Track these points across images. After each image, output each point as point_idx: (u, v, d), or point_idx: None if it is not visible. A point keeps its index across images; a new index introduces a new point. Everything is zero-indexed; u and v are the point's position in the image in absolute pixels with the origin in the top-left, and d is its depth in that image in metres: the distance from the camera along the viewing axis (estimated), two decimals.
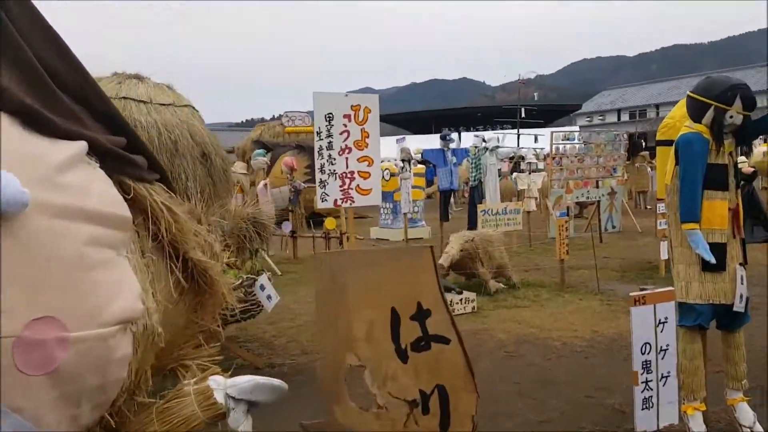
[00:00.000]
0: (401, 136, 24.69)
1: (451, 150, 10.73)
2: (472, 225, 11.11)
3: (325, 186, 5.52)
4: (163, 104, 5.01)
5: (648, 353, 2.99)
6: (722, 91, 3.27)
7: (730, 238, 3.36)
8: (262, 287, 4.37)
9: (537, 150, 18.72)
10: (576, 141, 12.62)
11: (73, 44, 1.90)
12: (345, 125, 5.58)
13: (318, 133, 5.46)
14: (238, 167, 9.56)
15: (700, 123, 3.37)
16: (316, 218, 10.73)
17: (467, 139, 15.56)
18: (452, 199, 18.12)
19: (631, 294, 2.98)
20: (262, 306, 4.54)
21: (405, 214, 11.44)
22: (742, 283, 3.31)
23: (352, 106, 5.61)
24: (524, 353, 5.22)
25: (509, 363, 5.00)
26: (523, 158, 13.99)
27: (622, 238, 12.10)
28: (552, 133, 12.50)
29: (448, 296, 6.48)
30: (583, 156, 12.44)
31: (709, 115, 3.32)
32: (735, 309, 3.31)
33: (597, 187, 12.22)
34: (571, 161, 12.26)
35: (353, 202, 5.69)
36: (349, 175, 5.63)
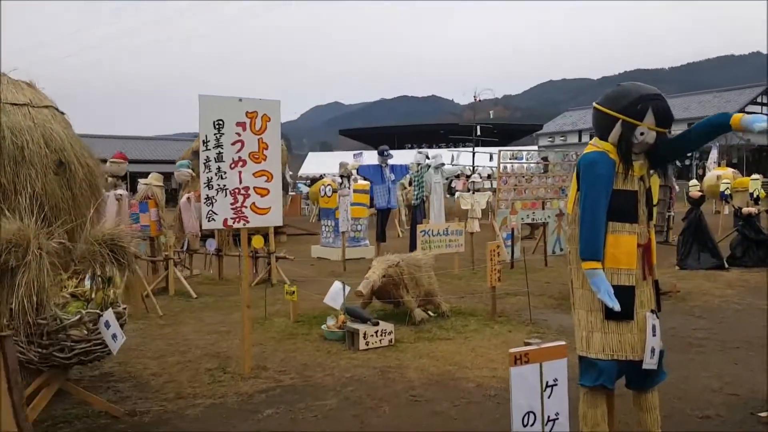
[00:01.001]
0: (359, 152, 24.08)
1: (389, 166, 10.14)
2: (413, 246, 10.53)
3: (212, 203, 4.84)
4: (16, 104, 4.28)
5: (532, 425, 2.39)
6: (631, 103, 2.71)
7: (639, 280, 2.79)
8: (107, 324, 3.66)
9: (482, 168, 18.36)
10: (524, 160, 12.20)
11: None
12: (238, 134, 4.92)
13: (204, 142, 4.79)
14: (153, 179, 8.79)
15: (606, 140, 2.81)
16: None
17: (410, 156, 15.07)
18: (403, 218, 17.58)
19: (510, 351, 2.38)
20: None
21: (343, 232, 10.80)
22: (654, 335, 2.74)
23: (247, 112, 4.96)
24: (432, 397, 4.59)
25: (411, 410, 4.36)
26: (468, 176, 13.53)
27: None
28: (500, 151, 12.07)
29: (363, 328, 5.84)
30: (531, 176, 12.04)
31: (616, 131, 2.75)
32: (645, 366, 2.73)
33: (543, 208, 11.78)
34: (518, 181, 11.85)
35: (247, 222, 5.01)
36: (242, 192, 4.96)
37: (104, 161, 9.49)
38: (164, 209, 8.76)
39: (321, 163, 31.81)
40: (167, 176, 12.83)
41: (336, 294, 6.23)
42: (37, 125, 4.29)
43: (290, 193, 31.61)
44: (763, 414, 3.87)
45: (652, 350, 2.73)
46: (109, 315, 3.67)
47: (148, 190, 8.56)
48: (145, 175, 9.53)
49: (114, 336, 3.65)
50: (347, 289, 6.29)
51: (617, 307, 2.65)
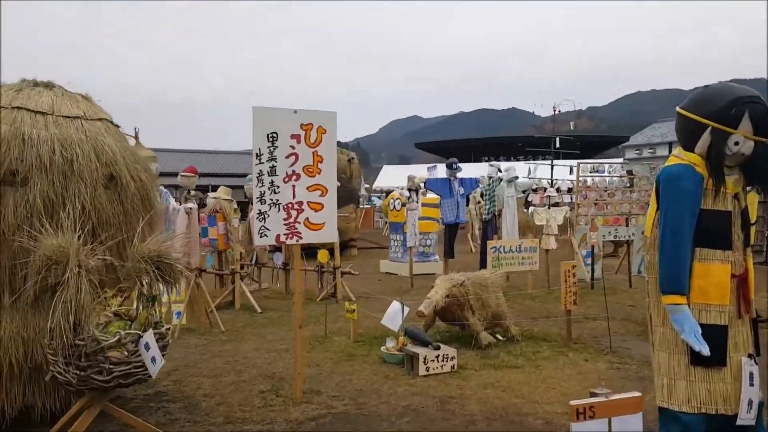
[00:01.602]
0: (433, 165, 23.76)
1: (458, 180, 9.75)
2: (483, 262, 10.07)
3: (265, 218, 4.65)
4: (68, 116, 4.26)
5: None
6: (723, 107, 2.24)
7: (733, 318, 2.30)
8: (147, 346, 3.50)
9: (562, 182, 17.54)
10: (606, 173, 11.47)
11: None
12: (293, 147, 4.72)
13: (258, 156, 4.62)
14: (222, 193, 8.82)
15: (692, 151, 2.35)
16: (309, 249, 9.87)
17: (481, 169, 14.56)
18: (476, 232, 17.05)
19: (571, 404, 1.98)
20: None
21: (411, 247, 10.48)
22: (751, 384, 2.24)
23: (302, 124, 4.75)
24: None
25: None
26: (545, 190, 12.90)
27: None
28: (579, 164, 11.41)
29: (423, 351, 5.48)
30: (615, 190, 11.29)
31: (705, 140, 2.29)
32: (740, 422, 2.24)
33: (627, 224, 11.00)
34: (600, 195, 11.14)
35: (300, 238, 4.79)
36: (296, 207, 4.75)
37: (174, 174, 9.68)
38: (232, 223, 8.76)
39: (395, 176, 31.69)
40: (237, 190, 12.97)
41: (394, 314, 5.90)
42: (89, 138, 4.24)
43: (364, 206, 31.68)
44: None
45: (750, 403, 2.24)
46: (149, 337, 3.50)
47: (216, 204, 8.59)
48: (215, 188, 9.62)
49: (153, 359, 3.48)
50: (406, 309, 5.95)
51: (706, 350, 2.18)
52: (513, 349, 6.33)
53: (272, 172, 4.65)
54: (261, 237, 4.67)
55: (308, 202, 4.78)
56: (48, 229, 3.65)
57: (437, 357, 5.53)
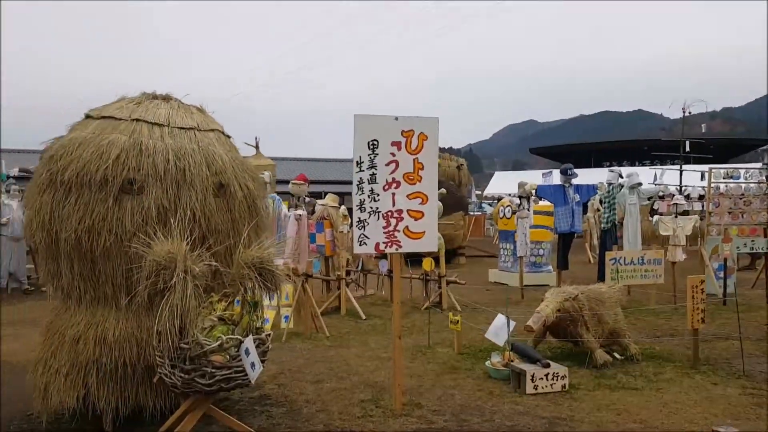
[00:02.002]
0: (548, 171, 22.99)
1: (573, 186, 9.25)
2: (601, 275, 9.49)
3: (364, 227, 4.61)
4: (183, 128, 4.46)
5: None
6: None
7: None
8: (247, 351, 3.54)
9: (692, 189, 16.17)
10: (741, 179, 10.45)
11: None
12: (393, 154, 4.64)
13: (358, 164, 4.59)
14: (329, 200, 8.96)
15: None
16: (414, 257, 9.79)
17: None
18: (594, 242, 16.20)
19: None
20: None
21: (521, 257, 10.09)
22: None
23: (403, 131, 4.67)
24: None
25: None
26: (672, 196, 11.95)
27: None
28: (710, 169, 10.49)
29: (531, 369, 5.20)
30: (752, 198, 10.25)
31: None
32: None
33: (766, 236, 9.95)
34: (734, 203, 10.16)
35: (400, 246, 4.70)
36: (395, 215, 4.67)
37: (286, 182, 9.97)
38: (339, 229, 8.87)
39: (507, 183, 30.94)
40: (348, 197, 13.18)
41: (499, 328, 5.65)
42: (201, 148, 4.41)
43: (474, 213, 31.24)
44: None
45: None
46: (249, 342, 3.56)
47: (324, 211, 8.74)
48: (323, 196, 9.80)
49: (252, 365, 3.52)
50: (513, 323, 5.67)
51: None
52: (632, 370, 5.87)
53: (372, 179, 4.61)
54: (360, 245, 4.63)
55: (408, 211, 4.69)
56: (159, 235, 3.81)
57: (546, 375, 5.22)
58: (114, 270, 4.08)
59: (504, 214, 11.84)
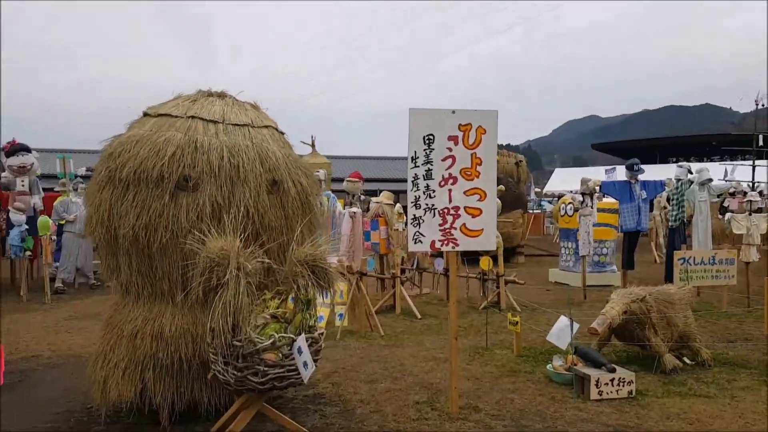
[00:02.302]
0: (611, 167, 22.33)
1: (639, 182, 8.83)
2: (669, 275, 9.05)
3: (419, 224, 4.48)
4: (237, 124, 4.44)
5: None
6: None
7: None
8: (300, 350, 3.48)
9: (765, 185, 15.28)
10: None
11: None
12: (450, 149, 4.49)
13: (413, 159, 4.46)
14: (384, 197, 8.86)
15: None
16: (471, 256, 9.58)
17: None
18: (660, 241, 15.55)
19: None
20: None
21: (583, 256, 9.73)
22: None
23: (460, 125, 4.51)
24: None
25: None
26: (745, 194, 11.28)
27: None
28: None
29: (596, 373, 4.96)
30: None
31: None
32: None
33: None
34: None
35: (456, 245, 4.55)
36: (452, 212, 4.52)
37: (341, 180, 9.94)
38: (394, 227, 8.77)
39: (568, 180, 30.11)
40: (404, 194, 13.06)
41: (562, 331, 5.41)
42: (255, 144, 4.38)
43: (533, 211, 30.59)
44: None
45: None
46: (301, 341, 3.49)
47: (378, 209, 8.65)
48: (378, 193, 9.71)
49: (305, 364, 3.45)
50: (576, 326, 5.42)
51: None
52: (703, 376, 5.53)
53: (428, 175, 4.47)
54: (415, 243, 4.50)
55: (465, 207, 4.53)
56: (213, 232, 3.79)
57: (612, 380, 4.96)
58: (170, 266, 4.10)
59: (565, 211, 11.46)
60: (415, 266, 9.82)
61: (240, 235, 3.92)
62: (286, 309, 3.86)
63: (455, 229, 4.52)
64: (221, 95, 4.70)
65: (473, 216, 4.54)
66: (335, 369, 5.78)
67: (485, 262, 8.64)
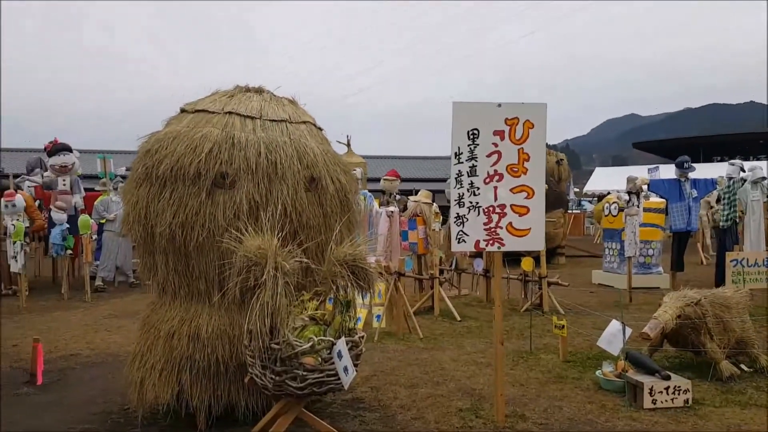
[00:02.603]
0: (654, 166, 21.71)
1: (690, 181, 8.45)
2: (720, 277, 8.64)
3: (463, 223, 4.29)
4: (274, 120, 4.31)
5: None
6: None
7: None
8: (340, 354, 3.32)
9: None
10: None
11: None
12: (495, 144, 4.29)
13: (456, 155, 4.27)
14: (422, 196, 8.67)
15: None
16: (512, 256, 9.32)
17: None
18: (707, 242, 15.00)
19: None
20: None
21: (629, 258, 9.37)
22: None
23: (506, 119, 4.30)
24: None
25: None
26: None
27: None
28: None
29: (649, 381, 4.69)
30: None
31: None
32: None
33: None
34: None
35: (502, 245, 4.34)
36: (498, 210, 4.31)
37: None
38: (432, 227, 8.57)
39: (608, 179, 29.34)
40: (439, 194, 12.83)
41: (613, 336, 5.14)
42: (293, 140, 4.25)
43: (573, 211, 29.96)
44: None
45: None
46: (341, 344, 3.33)
47: (417, 207, 8.47)
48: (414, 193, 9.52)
49: (345, 369, 3.30)
50: (629, 331, 5.15)
51: None
52: (763, 384, 5.20)
53: (472, 172, 4.27)
54: (459, 243, 4.31)
55: (512, 205, 4.31)
56: (250, 230, 3.67)
57: (667, 388, 4.68)
58: (207, 265, 3.99)
59: (609, 211, 11.08)
60: (453, 267, 9.61)
61: (278, 233, 3.80)
62: (325, 311, 3.71)
63: (501, 228, 4.31)
64: (259, 90, 4.59)
65: (520, 215, 4.32)
66: (374, 372, 5.62)
67: (527, 263, 8.39)
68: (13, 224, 9.21)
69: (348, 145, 17.29)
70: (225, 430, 4.12)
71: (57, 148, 10.92)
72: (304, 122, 4.49)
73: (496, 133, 4.29)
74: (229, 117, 4.20)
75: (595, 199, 28.76)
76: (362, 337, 3.69)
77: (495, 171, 4.29)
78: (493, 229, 4.31)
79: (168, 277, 4.12)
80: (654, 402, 4.64)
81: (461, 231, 4.29)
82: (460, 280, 9.97)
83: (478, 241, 4.32)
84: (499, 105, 4.32)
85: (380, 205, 8.86)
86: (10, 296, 9.85)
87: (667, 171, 11.29)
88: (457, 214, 4.28)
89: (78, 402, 4.82)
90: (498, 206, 4.30)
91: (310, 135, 4.43)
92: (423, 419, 4.45)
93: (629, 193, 9.19)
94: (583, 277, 12.38)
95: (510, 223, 4.32)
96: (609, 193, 15.77)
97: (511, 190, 4.31)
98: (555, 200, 14.93)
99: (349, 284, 3.67)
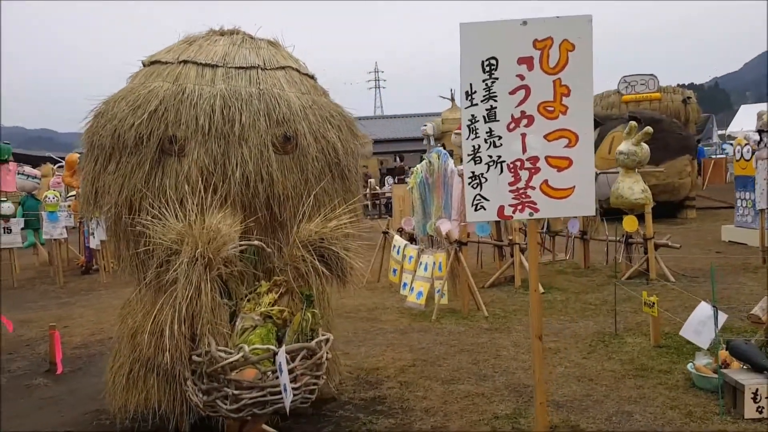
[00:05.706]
0: None
1: None
2: None
3: (480, 184, 3.24)
4: (242, 68, 3.51)
5: None
6: None
7: None
8: (281, 368, 2.52)
9: None
10: None
11: None
12: (521, 77, 3.16)
13: (468, 95, 3.20)
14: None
15: None
16: (612, 215, 7.93)
17: None
18: None
19: None
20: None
21: (762, 210, 7.63)
22: None
23: (535, 41, 3.16)
24: None
25: None
26: None
27: None
28: None
29: (754, 381, 3.45)
30: None
31: None
32: None
33: None
34: None
35: (536, 210, 3.25)
36: (527, 165, 3.21)
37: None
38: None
39: (754, 118, 25.47)
40: None
41: (702, 321, 3.87)
42: (262, 92, 3.44)
43: (715, 156, 26.56)
44: None
45: None
46: (281, 356, 2.52)
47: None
48: None
49: (284, 387, 2.49)
50: (723, 316, 3.83)
51: None
52: None
53: (491, 116, 3.19)
54: (476, 210, 3.27)
55: (547, 157, 3.19)
56: (194, 207, 2.94)
57: None
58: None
59: (741, 155, 9.19)
60: (545, 229, 8.40)
61: (241, 209, 3.04)
62: (284, 307, 2.91)
63: (533, 188, 3.21)
64: (231, 32, 3.80)
65: (559, 169, 3.19)
66: (413, 361, 4.78)
67: (630, 223, 7.04)
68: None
69: (452, 99, 16.13)
70: None
71: None
72: (283, 68, 3.65)
73: (521, 61, 3.16)
74: (184, 67, 3.46)
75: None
76: (326, 340, 2.84)
77: (522, 113, 3.18)
78: (522, 191, 3.23)
79: (129, 265, 3.52)
80: (760, 410, 3.41)
81: (479, 194, 3.25)
82: (554, 243, 8.71)
83: (502, 208, 3.25)
84: (524, 22, 3.18)
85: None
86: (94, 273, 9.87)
87: None
88: (473, 173, 3.24)
89: (80, 398, 4.43)
90: (528, 159, 3.20)
91: (288, 83, 3.58)
92: (444, 430, 3.56)
93: (760, 132, 7.40)
94: (714, 233, 10.56)
95: (545, 181, 3.20)
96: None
97: (545, 137, 3.18)
98: (680, 145, 12.93)
99: (313, 272, 2.83)
